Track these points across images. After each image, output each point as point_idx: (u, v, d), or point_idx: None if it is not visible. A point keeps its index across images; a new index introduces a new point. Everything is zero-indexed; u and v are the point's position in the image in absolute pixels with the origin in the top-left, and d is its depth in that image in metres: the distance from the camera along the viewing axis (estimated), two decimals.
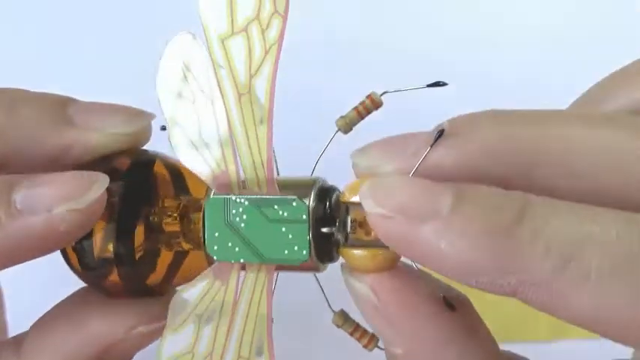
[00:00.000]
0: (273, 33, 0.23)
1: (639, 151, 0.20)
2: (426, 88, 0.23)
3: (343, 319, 0.23)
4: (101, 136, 0.24)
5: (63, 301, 0.25)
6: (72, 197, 0.21)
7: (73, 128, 0.24)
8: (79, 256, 0.23)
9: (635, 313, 0.17)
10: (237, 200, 0.22)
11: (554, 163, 0.20)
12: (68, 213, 0.21)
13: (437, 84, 0.23)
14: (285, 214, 0.22)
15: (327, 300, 0.23)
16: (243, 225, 0.22)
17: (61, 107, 0.24)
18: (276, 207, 0.22)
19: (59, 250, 0.24)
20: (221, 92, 0.23)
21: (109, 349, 0.24)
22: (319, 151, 0.24)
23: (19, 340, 0.25)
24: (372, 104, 0.23)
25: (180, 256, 0.24)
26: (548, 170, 0.20)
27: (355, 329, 0.23)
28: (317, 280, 0.24)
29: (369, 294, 0.21)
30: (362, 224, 0.22)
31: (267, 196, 0.22)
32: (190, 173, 0.23)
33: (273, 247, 0.22)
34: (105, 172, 0.23)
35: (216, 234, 0.22)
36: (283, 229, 0.22)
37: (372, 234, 0.21)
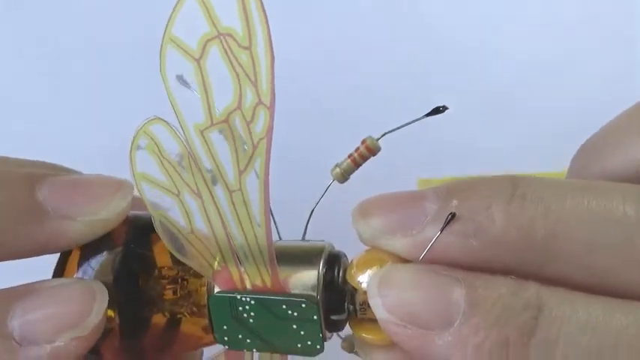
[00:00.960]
0: (259, 126, 0.20)
1: None
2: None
3: (352, 345, 0.23)
4: (80, 224, 0.22)
5: None
6: (74, 325, 0.20)
7: (46, 219, 0.21)
8: None
9: None
10: (243, 298, 0.21)
11: (570, 260, 0.19)
12: (72, 342, 0.20)
13: (437, 110, 0.21)
14: (295, 314, 0.21)
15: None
16: (251, 321, 0.22)
17: (29, 193, 0.21)
18: (284, 307, 0.21)
19: None
20: (209, 189, 0.21)
21: None
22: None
23: None
24: (367, 151, 0.21)
25: (180, 323, 0.24)
26: (562, 266, 0.19)
27: None
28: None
29: None
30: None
31: (275, 297, 0.21)
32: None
33: (286, 341, 0.22)
34: (97, 252, 0.22)
35: (225, 327, 0.22)
36: (294, 327, 0.21)
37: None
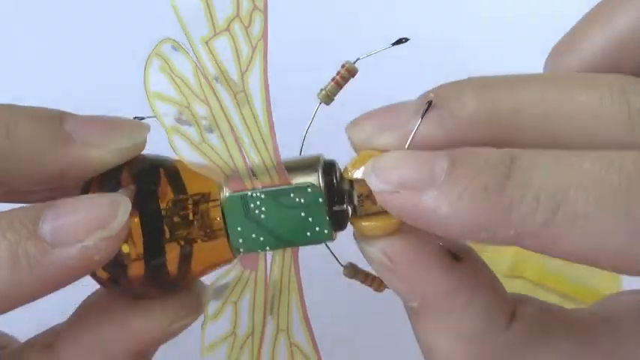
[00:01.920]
0: (256, 28, 0.23)
1: (614, 113, 0.22)
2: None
3: (353, 271, 0.26)
4: (101, 152, 0.24)
5: (91, 303, 0.26)
6: (102, 225, 0.22)
7: (72, 146, 0.24)
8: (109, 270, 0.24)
9: (626, 244, 0.20)
10: (254, 195, 0.24)
11: (533, 130, 0.22)
12: (101, 242, 0.22)
13: (399, 41, 0.24)
14: (302, 200, 0.24)
15: (336, 257, 0.26)
16: (263, 217, 0.24)
17: (57, 124, 0.24)
18: (292, 195, 0.24)
19: None
20: (215, 93, 0.24)
21: (150, 344, 0.25)
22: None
23: (51, 342, 0.25)
24: (348, 73, 0.24)
25: (195, 249, 0.25)
26: (528, 136, 0.22)
27: (365, 277, 0.26)
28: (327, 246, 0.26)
29: (381, 257, 0.23)
30: (368, 196, 0.24)
31: (282, 187, 0.24)
32: (190, 170, 0.25)
33: (296, 231, 0.24)
34: (115, 185, 0.24)
35: (239, 228, 0.24)
36: (302, 214, 0.24)
37: (378, 203, 0.23)
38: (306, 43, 0.44)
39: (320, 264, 0.26)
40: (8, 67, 0.47)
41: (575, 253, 0.20)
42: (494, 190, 0.20)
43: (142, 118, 0.26)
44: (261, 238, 0.24)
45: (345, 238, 0.25)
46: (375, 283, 0.26)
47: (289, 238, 0.24)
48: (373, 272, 0.25)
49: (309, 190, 0.24)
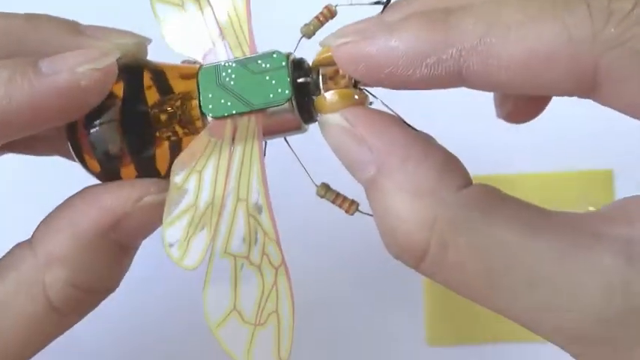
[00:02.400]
0: None
1: None
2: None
3: (325, 189, 0.26)
4: (107, 44, 0.27)
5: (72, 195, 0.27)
6: (91, 60, 0.24)
7: (83, 37, 0.27)
8: (95, 153, 0.26)
9: (556, 41, 0.20)
10: (226, 64, 0.26)
11: None
12: (89, 71, 0.24)
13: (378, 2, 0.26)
14: (268, 65, 0.25)
15: (310, 175, 0.26)
16: (232, 83, 0.25)
17: (72, 22, 0.28)
18: (259, 62, 0.25)
19: (74, 154, 0.27)
20: None
21: (119, 222, 0.25)
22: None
23: (32, 234, 0.26)
24: (329, 13, 0.27)
25: (180, 143, 0.27)
26: None
27: (336, 197, 0.26)
28: (298, 160, 0.27)
29: (340, 119, 0.24)
30: (332, 77, 0.25)
31: (251, 55, 0.26)
32: (179, 71, 0.27)
33: (260, 94, 0.25)
34: None
35: (210, 95, 0.25)
36: (267, 78, 0.25)
37: (341, 83, 0.25)
38: None
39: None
40: None
41: (512, 62, 0.21)
42: (439, 21, 0.22)
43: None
44: (229, 103, 0.25)
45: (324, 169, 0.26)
46: (345, 203, 0.26)
47: (253, 100, 0.25)
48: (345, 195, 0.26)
49: (275, 55, 0.25)
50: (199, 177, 0.25)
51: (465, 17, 0.21)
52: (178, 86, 0.27)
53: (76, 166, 0.27)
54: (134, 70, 0.27)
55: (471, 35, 0.21)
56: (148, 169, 0.27)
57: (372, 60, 0.22)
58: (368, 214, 0.24)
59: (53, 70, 0.24)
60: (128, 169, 0.26)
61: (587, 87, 0.21)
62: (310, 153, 0.27)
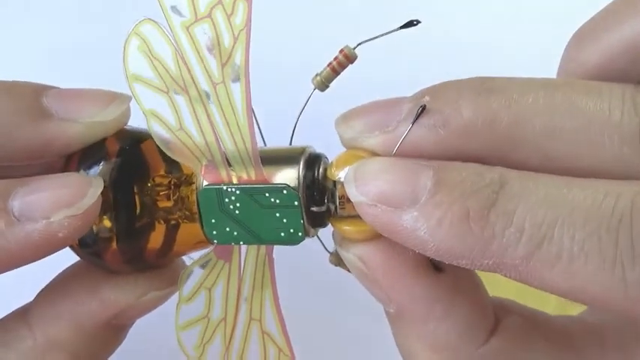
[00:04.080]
0: (238, 19, 0.21)
1: (622, 129, 0.19)
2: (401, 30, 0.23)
3: (339, 258, 0.24)
4: (81, 126, 0.24)
5: (67, 272, 0.26)
6: (69, 204, 0.22)
7: (50, 120, 0.23)
8: (80, 239, 0.24)
9: (609, 291, 0.18)
10: (229, 190, 0.23)
11: (531, 147, 0.20)
12: (66, 219, 0.22)
13: (410, 24, 0.22)
14: (277, 201, 0.23)
15: (323, 243, 0.25)
16: (237, 212, 0.23)
17: (35, 98, 0.24)
18: (267, 195, 0.23)
19: None
20: (194, 82, 0.22)
21: (120, 315, 0.25)
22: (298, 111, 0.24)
23: (26, 309, 0.26)
24: (345, 59, 0.23)
25: (175, 229, 0.25)
26: (525, 152, 0.20)
27: None
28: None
29: (358, 263, 0.23)
30: (350, 200, 0.22)
31: (258, 186, 0.23)
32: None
33: (270, 231, 0.23)
34: (95, 160, 0.24)
35: (213, 220, 0.23)
36: (277, 215, 0.23)
37: None
38: (302, 27, 0.41)
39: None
40: None
41: (554, 289, 0.19)
42: (477, 218, 0.19)
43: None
44: (235, 233, 0.23)
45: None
46: None
47: (263, 236, 0.23)
48: None
49: (285, 192, 0.23)
50: (209, 294, 0.25)
51: (509, 224, 0.18)
52: (180, 168, 0.25)
53: None
54: (127, 149, 0.24)
55: (513, 253, 0.18)
56: (136, 258, 0.25)
57: (398, 237, 0.20)
58: None
59: (27, 217, 0.22)
60: (113, 256, 0.25)
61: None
62: None
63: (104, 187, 0.23)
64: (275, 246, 0.24)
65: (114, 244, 0.24)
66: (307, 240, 0.24)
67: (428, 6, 0.37)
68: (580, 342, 0.23)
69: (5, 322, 0.26)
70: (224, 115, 0.23)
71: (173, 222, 0.25)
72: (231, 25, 0.21)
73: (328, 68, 0.23)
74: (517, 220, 0.18)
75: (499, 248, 0.19)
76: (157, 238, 0.25)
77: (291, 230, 0.23)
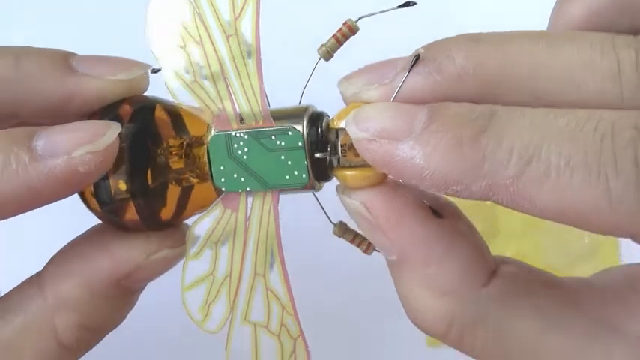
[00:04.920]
0: None
1: (602, 68, 0.21)
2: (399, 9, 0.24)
3: (343, 229, 0.25)
4: (101, 82, 0.25)
5: (81, 235, 0.27)
6: (89, 141, 0.23)
7: (75, 76, 0.25)
8: (97, 197, 0.26)
9: (594, 204, 0.19)
10: (238, 135, 0.24)
11: (519, 86, 0.22)
12: (87, 155, 0.23)
13: (407, 4, 0.24)
14: (283, 143, 0.24)
15: (327, 215, 0.26)
16: (245, 157, 0.24)
17: (63, 59, 0.26)
18: (273, 137, 0.24)
19: (79, 196, 0.26)
20: (209, 35, 0.24)
21: (130, 274, 0.26)
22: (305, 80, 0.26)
23: (39, 273, 0.26)
24: (349, 30, 0.24)
25: (188, 190, 0.26)
26: (513, 93, 0.22)
27: (354, 237, 0.25)
28: (317, 199, 0.26)
29: (361, 209, 0.23)
30: (351, 147, 0.24)
31: (265, 129, 0.24)
32: (188, 113, 0.26)
33: (275, 174, 0.24)
34: (114, 117, 0.25)
35: (222, 167, 0.25)
36: (282, 157, 0.24)
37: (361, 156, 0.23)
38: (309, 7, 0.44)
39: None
40: None
41: (544, 209, 0.20)
42: (469, 143, 0.20)
43: (158, 70, 0.27)
44: (242, 179, 0.25)
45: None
46: (363, 243, 0.25)
47: (269, 181, 0.24)
48: (363, 236, 0.25)
49: (290, 133, 0.24)
50: (215, 248, 0.25)
51: (500, 146, 0.20)
52: (190, 129, 0.26)
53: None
54: (143, 111, 0.26)
55: (504, 173, 0.19)
56: (152, 217, 0.26)
57: (395, 169, 0.21)
58: None
59: (50, 153, 0.23)
60: (131, 215, 0.26)
61: (624, 237, 0.20)
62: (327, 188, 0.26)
63: (121, 147, 0.24)
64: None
65: (131, 203, 0.25)
66: (318, 235, 0.25)
67: None
68: (579, 295, 0.23)
69: (19, 287, 0.26)
70: (234, 63, 0.24)
71: (186, 183, 0.26)
72: None
73: (333, 39, 0.25)
74: (507, 142, 0.20)
75: (490, 169, 0.20)
76: (171, 198, 0.26)
77: (296, 172, 0.24)
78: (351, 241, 0.26)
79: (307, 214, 0.26)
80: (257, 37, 0.24)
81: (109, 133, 0.24)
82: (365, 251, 0.26)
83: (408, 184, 0.22)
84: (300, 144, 0.24)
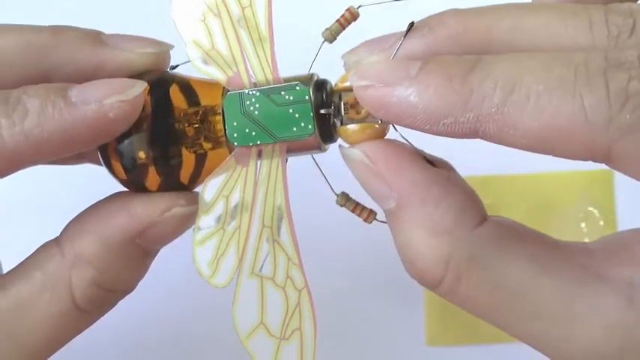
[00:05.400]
0: None
1: (575, 25, 0.24)
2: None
3: (345, 198, 0.27)
4: (130, 54, 0.28)
5: (98, 201, 0.29)
6: (119, 91, 0.26)
7: (105, 48, 0.28)
8: (122, 161, 0.27)
9: (572, 121, 0.21)
10: (250, 92, 0.27)
11: (502, 42, 0.24)
12: (116, 103, 0.25)
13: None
14: (291, 97, 0.26)
15: (331, 185, 0.27)
16: (256, 113, 0.26)
17: (95, 33, 0.28)
18: (282, 93, 0.26)
19: (103, 163, 0.28)
20: (226, 8, 0.27)
21: (146, 230, 0.27)
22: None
23: (60, 233, 0.28)
24: (350, 16, 0.27)
25: (203, 156, 0.28)
26: (499, 49, 0.24)
27: (356, 206, 0.27)
28: (321, 170, 0.28)
29: (361, 156, 0.25)
30: (353, 105, 0.26)
31: (275, 85, 0.27)
32: (204, 84, 0.28)
33: (284, 126, 0.26)
34: None
35: (235, 123, 0.27)
36: (290, 111, 0.26)
37: (362, 112, 0.26)
38: None
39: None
40: None
41: (527, 133, 0.22)
42: (458, 80, 0.22)
43: (176, 67, 0.29)
44: (254, 133, 0.26)
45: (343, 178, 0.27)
46: (364, 212, 0.27)
47: (277, 133, 0.26)
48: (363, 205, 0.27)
49: (298, 88, 0.26)
50: (226, 202, 0.27)
51: (485, 80, 0.22)
52: (204, 100, 0.28)
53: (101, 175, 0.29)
54: (162, 83, 0.28)
55: (489, 102, 0.22)
56: (172, 180, 0.28)
57: (391, 109, 0.23)
58: (384, 222, 0.26)
59: (82, 101, 0.25)
60: (152, 178, 0.28)
61: (602, 159, 0.22)
62: (331, 161, 0.28)
63: (141, 115, 0.27)
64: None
65: (152, 167, 0.27)
66: (327, 222, 0.26)
67: None
68: (569, 248, 0.24)
69: (41, 247, 0.28)
70: (249, 32, 0.27)
71: (201, 149, 0.28)
72: None
73: (336, 23, 0.27)
74: (491, 76, 0.22)
75: (477, 100, 0.22)
76: (188, 163, 0.28)
77: (302, 124, 0.26)
78: (353, 210, 0.27)
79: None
80: (269, 7, 0.27)
81: (138, 85, 0.26)
82: (365, 219, 0.27)
83: (404, 123, 0.24)
84: (306, 97, 0.26)
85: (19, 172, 0.27)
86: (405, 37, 0.25)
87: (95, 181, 0.30)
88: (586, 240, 0.40)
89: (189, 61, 0.28)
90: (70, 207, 0.28)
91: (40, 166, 0.28)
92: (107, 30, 0.29)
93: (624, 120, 0.21)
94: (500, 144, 0.23)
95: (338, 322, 0.39)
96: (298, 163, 0.28)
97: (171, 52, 0.29)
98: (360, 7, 0.27)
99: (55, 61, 0.28)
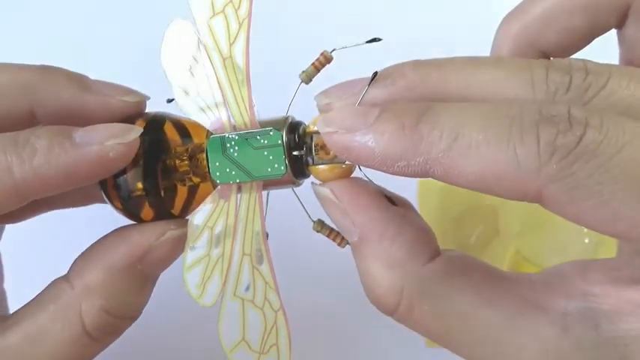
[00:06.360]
0: (243, 10, 0.30)
1: (519, 80, 0.27)
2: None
3: (321, 225, 0.30)
4: (111, 99, 0.31)
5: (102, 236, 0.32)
6: (118, 135, 0.29)
7: (89, 91, 0.31)
8: (119, 194, 0.31)
9: (507, 168, 0.24)
10: (230, 136, 0.30)
11: (452, 93, 0.28)
12: (116, 145, 0.29)
13: (374, 40, 0.30)
14: (266, 141, 0.30)
15: (308, 213, 0.31)
16: (236, 155, 0.30)
17: (80, 76, 0.32)
18: (258, 137, 0.30)
19: (104, 196, 0.32)
20: (210, 59, 0.31)
21: (145, 254, 0.31)
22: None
23: (68, 270, 0.31)
24: (324, 59, 0.30)
25: (193, 189, 0.32)
26: (448, 98, 0.27)
27: (330, 232, 0.30)
28: (299, 200, 0.31)
29: (329, 194, 0.29)
30: (323, 147, 0.30)
31: (252, 130, 0.30)
32: (191, 125, 0.32)
33: (259, 167, 0.30)
34: None
35: (217, 163, 0.30)
36: (265, 153, 0.30)
37: (331, 153, 0.29)
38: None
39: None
40: None
41: (469, 176, 0.25)
42: (409, 127, 0.25)
43: (172, 100, 0.33)
44: (233, 172, 0.30)
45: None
46: (338, 237, 0.30)
47: (254, 172, 0.30)
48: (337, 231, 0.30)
49: (271, 133, 0.29)
50: (211, 232, 0.30)
51: (434, 129, 0.25)
52: (195, 138, 0.32)
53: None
54: (155, 124, 0.32)
55: (437, 148, 0.24)
56: (164, 210, 0.32)
57: (353, 153, 0.26)
58: None
59: (86, 142, 0.29)
60: (147, 208, 0.32)
61: (534, 201, 0.24)
62: (309, 190, 0.31)
63: (137, 153, 0.30)
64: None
65: (146, 200, 0.31)
66: (307, 237, 0.30)
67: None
68: (512, 280, 0.28)
69: (51, 283, 0.32)
70: (229, 80, 0.30)
71: (190, 182, 0.32)
72: (237, 15, 0.30)
73: (311, 66, 0.30)
74: (438, 125, 0.25)
75: (426, 146, 0.25)
76: (179, 195, 0.32)
77: (276, 165, 0.29)
78: (328, 236, 0.30)
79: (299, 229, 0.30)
80: (247, 56, 0.30)
81: (135, 130, 0.30)
82: (339, 244, 0.30)
83: (364, 164, 0.27)
84: (279, 141, 0.29)
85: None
86: (369, 85, 0.28)
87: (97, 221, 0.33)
88: (586, 240, 0.43)
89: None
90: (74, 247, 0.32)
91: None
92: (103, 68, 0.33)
93: (551, 170, 0.23)
94: (446, 183, 0.26)
95: (338, 323, 0.41)
96: (280, 193, 0.32)
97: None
98: (333, 50, 0.30)
99: (41, 98, 0.31)
